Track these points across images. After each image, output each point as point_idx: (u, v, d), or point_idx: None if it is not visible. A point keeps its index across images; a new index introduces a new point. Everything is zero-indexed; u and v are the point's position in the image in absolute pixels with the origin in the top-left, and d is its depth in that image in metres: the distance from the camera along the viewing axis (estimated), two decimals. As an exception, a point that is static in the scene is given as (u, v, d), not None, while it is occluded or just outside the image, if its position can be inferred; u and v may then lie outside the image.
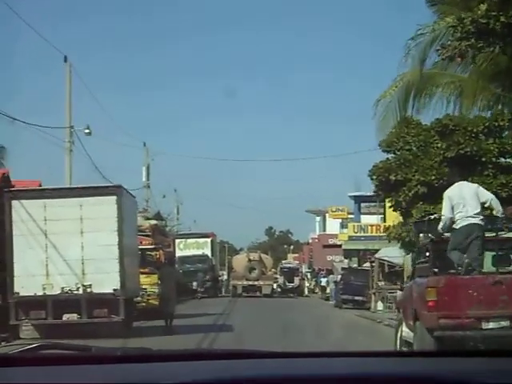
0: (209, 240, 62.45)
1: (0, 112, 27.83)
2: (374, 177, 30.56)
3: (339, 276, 56.20)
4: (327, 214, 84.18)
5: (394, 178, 30.03)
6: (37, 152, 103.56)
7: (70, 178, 37.51)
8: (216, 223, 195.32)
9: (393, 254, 40.63)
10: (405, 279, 34.82)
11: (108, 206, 22.36)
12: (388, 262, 38.13)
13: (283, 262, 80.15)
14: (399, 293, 29.54)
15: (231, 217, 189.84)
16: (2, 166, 34.41)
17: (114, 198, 22.47)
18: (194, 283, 54.51)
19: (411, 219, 29.97)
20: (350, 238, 61.90)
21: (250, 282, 58.45)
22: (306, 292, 72.05)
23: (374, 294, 37.74)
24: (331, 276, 56.52)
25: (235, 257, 68.58)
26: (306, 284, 76.12)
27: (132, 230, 25.07)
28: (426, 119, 30.91)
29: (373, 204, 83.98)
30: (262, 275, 58.94)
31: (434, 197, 28.91)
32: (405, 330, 15.45)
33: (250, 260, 59.59)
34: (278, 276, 65.99)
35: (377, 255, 41.77)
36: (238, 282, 58.79)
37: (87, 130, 41.26)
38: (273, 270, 65.28)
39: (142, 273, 29.68)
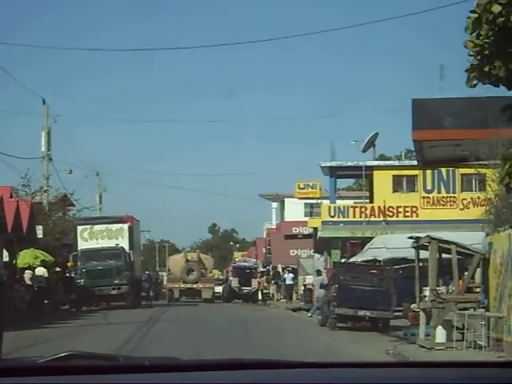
0: (125, 226, 44.15)
1: None
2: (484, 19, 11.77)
3: (320, 278, 38.44)
4: (287, 199, 67.33)
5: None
6: None
7: None
8: (154, 219, 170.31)
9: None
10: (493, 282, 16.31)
11: None
12: (466, 248, 18.73)
13: (236, 259, 68.77)
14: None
15: (170, 208, 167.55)
16: None
17: None
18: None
19: None
20: (325, 224, 47.68)
21: (189, 285, 53.56)
22: (260, 297, 54.63)
23: (426, 310, 18.65)
24: (314, 279, 38.74)
25: (171, 257, 63.31)
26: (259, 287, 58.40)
27: None
28: None
29: (351, 181, 67.21)
30: (202, 277, 53.99)
31: None
32: None
33: (187, 260, 54.44)
34: (231, 278, 57.38)
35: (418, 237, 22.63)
36: (175, 284, 53.88)
37: None
38: (214, 271, 61.87)
39: None
